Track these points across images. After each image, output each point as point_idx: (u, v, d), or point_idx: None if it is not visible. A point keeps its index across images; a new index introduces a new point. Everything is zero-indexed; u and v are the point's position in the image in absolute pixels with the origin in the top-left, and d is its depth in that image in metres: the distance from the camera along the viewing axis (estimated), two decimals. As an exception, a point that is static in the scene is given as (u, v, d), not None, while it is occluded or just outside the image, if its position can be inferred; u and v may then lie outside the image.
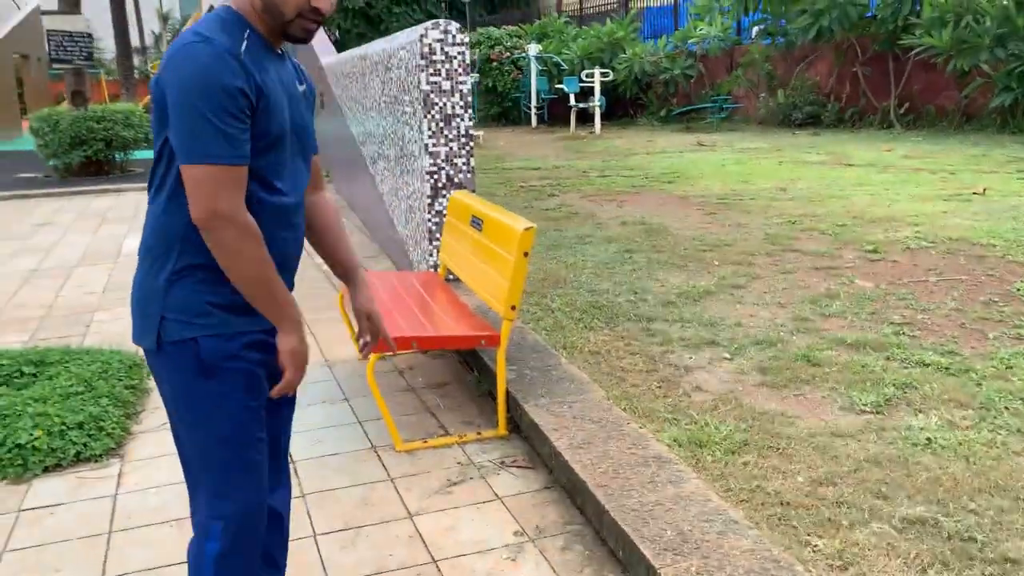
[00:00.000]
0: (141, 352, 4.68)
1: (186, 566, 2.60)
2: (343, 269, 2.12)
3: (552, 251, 6.26)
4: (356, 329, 2.20)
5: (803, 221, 7.01)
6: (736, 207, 7.88)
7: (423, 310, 3.82)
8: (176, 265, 1.76)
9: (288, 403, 2.11)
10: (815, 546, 2.37)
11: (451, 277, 4.79)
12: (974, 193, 7.93)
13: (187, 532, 2.82)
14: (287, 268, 1.91)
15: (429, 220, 5.27)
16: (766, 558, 2.27)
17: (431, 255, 5.32)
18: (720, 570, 2.23)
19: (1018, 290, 4.82)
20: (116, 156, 13.72)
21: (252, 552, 1.94)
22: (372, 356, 3.36)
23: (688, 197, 8.60)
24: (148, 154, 14.89)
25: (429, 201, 5.23)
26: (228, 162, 1.66)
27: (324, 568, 2.63)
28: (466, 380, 4.19)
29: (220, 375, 1.79)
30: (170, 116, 1.66)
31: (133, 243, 8.00)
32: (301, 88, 1.93)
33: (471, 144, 5.26)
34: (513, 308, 3.45)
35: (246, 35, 1.73)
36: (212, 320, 1.77)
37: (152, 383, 4.25)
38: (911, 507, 2.56)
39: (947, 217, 6.90)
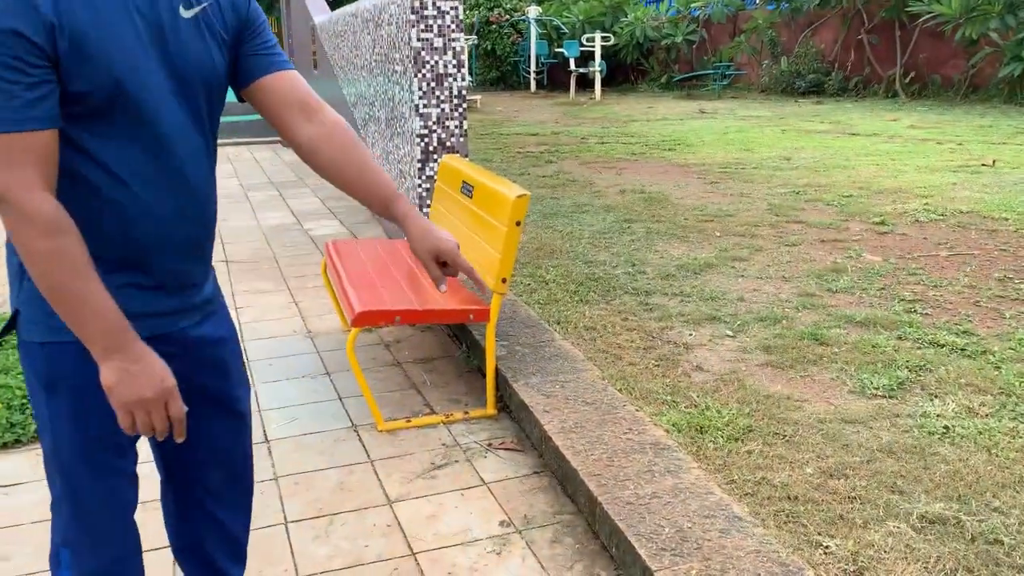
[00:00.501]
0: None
1: (151, 555, 2.44)
2: (379, 202, 1.60)
3: (548, 220, 6.02)
4: (431, 274, 1.65)
5: (807, 192, 6.78)
6: (738, 176, 7.63)
7: (410, 282, 3.60)
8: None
9: (226, 413, 1.69)
10: (826, 547, 2.17)
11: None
12: (983, 165, 7.69)
13: (158, 515, 2.63)
14: (162, 252, 1.45)
15: (420, 186, 5.02)
16: (774, 561, 2.07)
17: (420, 222, 5.07)
18: (723, 574, 2.03)
19: (1034, 267, 4.61)
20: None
21: None
22: (354, 329, 3.15)
23: (689, 165, 8.35)
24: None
25: (419, 166, 4.99)
26: (9, 128, 1.24)
27: (294, 560, 2.43)
28: (455, 355, 3.98)
29: (62, 391, 1.44)
30: None
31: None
32: (188, 13, 1.40)
33: (464, 106, 5.00)
34: (504, 281, 3.23)
35: None
36: (60, 323, 1.37)
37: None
38: (930, 504, 2.36)
39: (956, 189, 6.67)
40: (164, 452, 1.73)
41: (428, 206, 5.02)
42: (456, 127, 5.01)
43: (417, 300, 3.33)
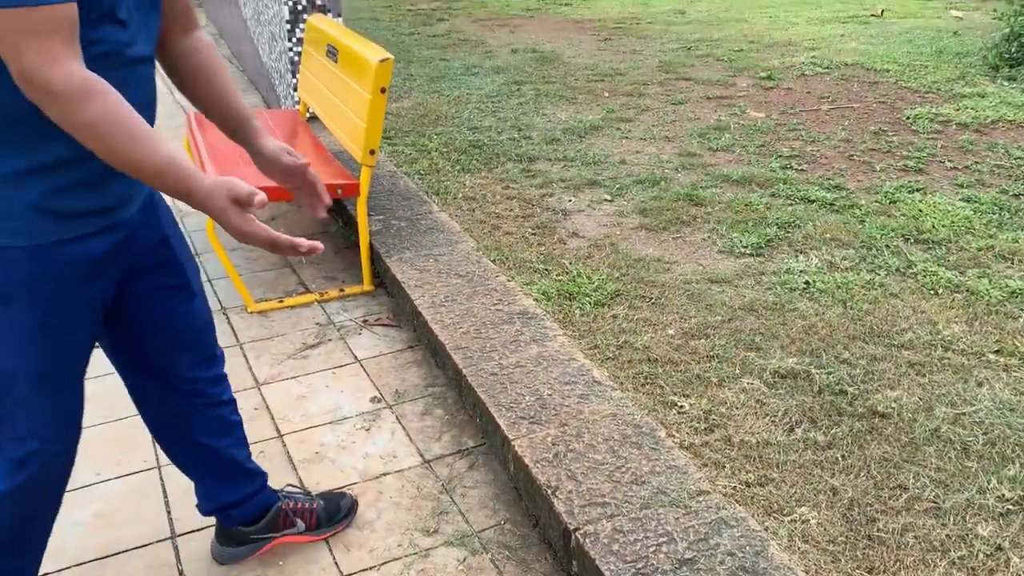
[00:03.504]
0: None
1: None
2: (235, 122, 1.60)
3: (435, 83, 5.81)
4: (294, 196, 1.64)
5: (699, 47, 6.69)
6: (632, 32, 7.47)
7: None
8: None
9: (175, 288, 1.66)
10: (680, 407, 2.23)
11: (311, 115, 4.37)
12: (872, 15, 7.71)
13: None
14: None
15: (291, 49, 4.74)
16: (628, 423, 2.12)
17: (294, 90, 4.83)
18: (578, 439, 2.07)
19: (907, 118, 4.69)
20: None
21: (42, 502, 1.56)
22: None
23: (584, 21, 8.13)
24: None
25: (289, 27, 4.69)
26: (29, 2, 1.16)
27: (155, 447, 2.38)
28: (331, 231, 3.87)
29: (20, 302, 1.36)
30: None
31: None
32: None
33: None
34: (372, 153, 3.11)
35: None
36: (19, 226, 1.32)
37: None
38: (783, 359, 2.44)
39: (844, 40, 6.69)
40: (141, 349, 1.68)
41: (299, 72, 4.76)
42: (327, -15, 4.70)
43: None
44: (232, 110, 1.60)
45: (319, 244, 1.39)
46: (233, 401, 1.85)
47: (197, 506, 1.92)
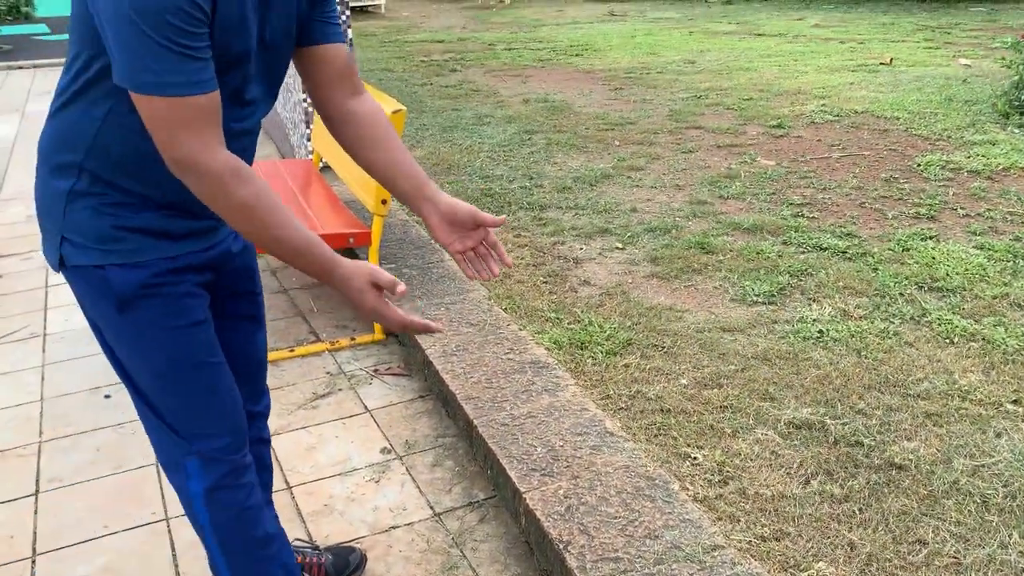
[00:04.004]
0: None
1: (13, 505, 2.34)
2: (410, 187, 1.57)
3: (447, 133, 5.87)
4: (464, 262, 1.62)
5: (709, 96, 6.75)
6: (642, 82, 7.55)
7: (290, 206, 3.46)
8: (80, 181, 1.39)
9: (249, 319, 1.73)
10: (694, 459, 2.20)
11: (324, 165, 4.41)
12: (881, 63, 7.77)
13: (13, 465, 2.52)
14: None
15: (305, 100, 4.81)
16: (641, 475, 2.09)
17: (308, 140, 4.89)
18: (590, 491, 2.04)
19: (919, 165, 4.70)
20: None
21: (240, 481, 1.60)
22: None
23: (594, 71, 8.22)
24: (17, 29, 13.62)
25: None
26: (185, 92, 1.23)
27: (164, 501, 2.37)
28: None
29: (137, 307, 1.44)
30: (105, 28, 1.21)
31: (-9, 131, 7.27)
32: None
33: (347, 12, 4.76)
34: (384, 203, 3.13)
35: None
36: (120, 247, 1.41)
37: (-8, 292, 3.83)
38: (798, 409, 2.41)
39: (853, 89, 6.73)
40: None
41: (313, 122, 4.82)
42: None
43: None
44: (403, 177, 1.58)
45: (440, 325, 1.46)
46: (269, 441, 1.86)
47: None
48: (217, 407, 1.55)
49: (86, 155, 1.38)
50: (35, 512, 2.32)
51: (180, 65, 1.22)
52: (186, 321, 1.48)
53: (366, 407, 2.82)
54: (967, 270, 3.29)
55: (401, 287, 1.41)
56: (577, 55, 9.32)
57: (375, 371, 3.06)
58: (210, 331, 1.53)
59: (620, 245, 3.72)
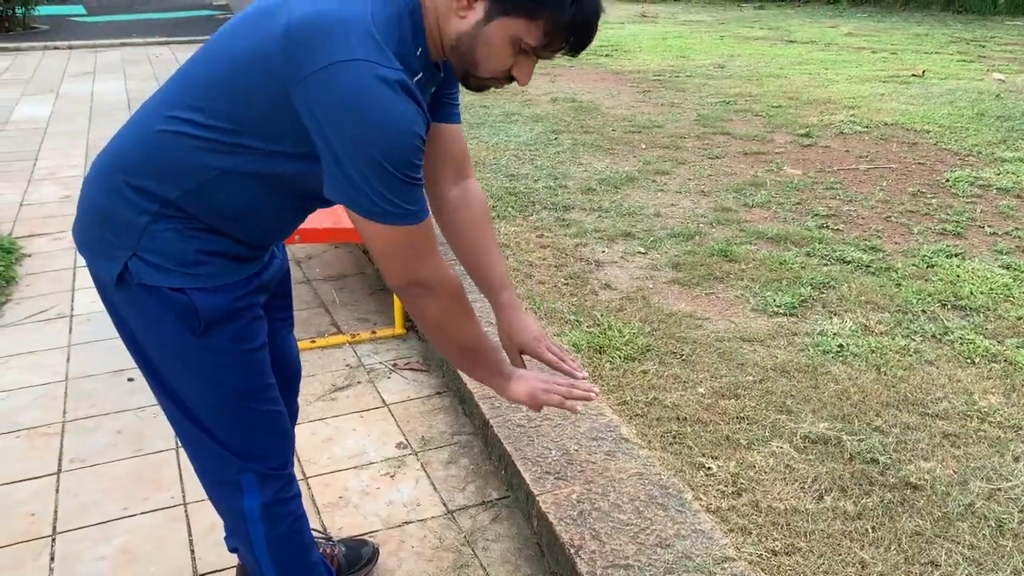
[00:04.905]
0: (13, 233, 4.31)
1: (36, 483, 2.39)
2: (489, 284, 1.67)
3: (475, 130, 5.89)
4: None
5: (738, 101, 6.72)
6: (671, 85, 7.53)
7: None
8: (166, 208, 1.35)
9: (283, 320, 1.78)
10: (708, 469, 2.20)
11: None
12: (913, 75, 7.70)
13: (38, 444, 2.57)
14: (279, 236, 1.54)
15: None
16: (654, 483, 2.10)
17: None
18: (603, 497, 2.05)
19: (947, 180, 4.66)
20: (16, 11, 12.63)
21: (292, 493, 1.63)
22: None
23: (624, 73, 8.21)
24: (54, 9, 13.77)
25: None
26: (422, 218, 1.30)
27: (182, 485, 2.40)
28: (367, 272, 3.91)
29: (217, 331, 1.43)
30: (335, 156, 1.22)
31: (26, 110, 7.37)
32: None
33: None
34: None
35: (419, 52, 1.31)
36: (204, 270, 1.39)
37: (22, 271, 3.88)
38: (815, 424, 2.41)
39: (884, 100, 6.68)
40: None
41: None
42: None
43: (317, 217, 3.23)
44: (487, 273, 1.67)
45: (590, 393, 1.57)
46: None
47: (225, 538, 1.92)
48: (274, 427, 1.57)
49: (182, 194, 1.35)
50: (56, 491, 2.36)
51: (415, 194, 1.27)
52: (256, 344, 1.49)
53: (384, 401, 2.84)
54: (992, 289, 3.27)
55: (572, 405, 1.55)
56: (607, 55, 9.30)
57: (394, 365, 3.09)
58: (267, 352, 1.54)
59: (643, 249, 3.72)
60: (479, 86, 1.37)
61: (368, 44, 1.19)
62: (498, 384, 1.55)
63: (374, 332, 3.31)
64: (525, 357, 1.67)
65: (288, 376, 1.81)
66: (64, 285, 3.74)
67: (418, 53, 1.31)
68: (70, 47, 11.00)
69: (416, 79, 1.29)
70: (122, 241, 1.38)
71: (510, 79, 1.35)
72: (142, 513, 2.28)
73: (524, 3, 1.24)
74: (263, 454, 1.55)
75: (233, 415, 1.50)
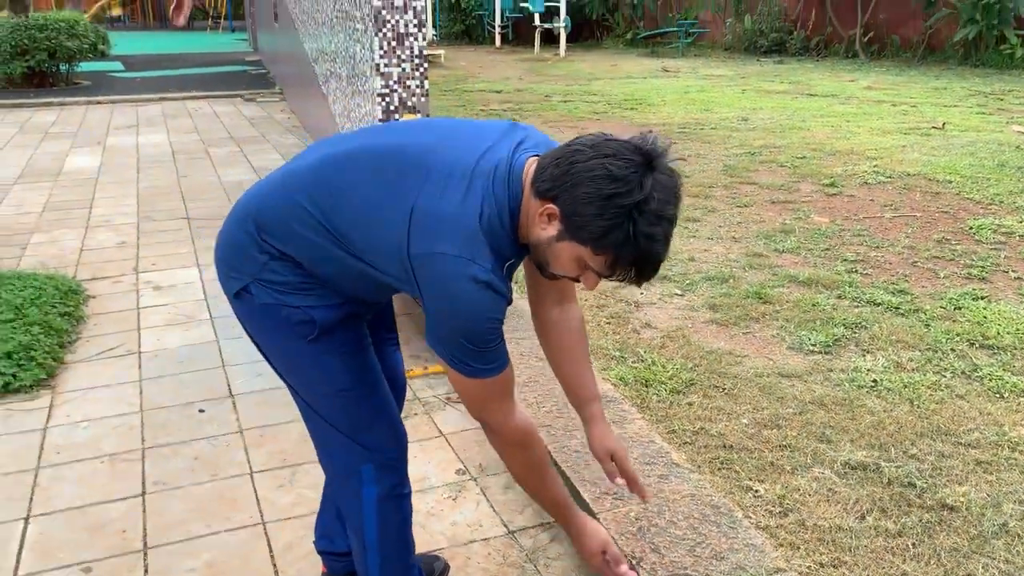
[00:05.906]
0: (77, 276, 4.55)
1: (123, 503, 2.56)
2: (578, 396, 1.94)
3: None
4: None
5: (762, 153, 6.94)
6: (696, 137, 7.77)
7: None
8: (284, 257, 1.65)
9: (389, 340, 2.03)
10: (756, 491, 2.35)
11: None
12: (933, 127, 7.90)
13: (121, 468, 2.75)
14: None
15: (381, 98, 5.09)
16: (706, 504, 2.25)
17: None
18: (659, 516, 2.21)
19: (971, 228, 4.82)
20: (61, 67, 13.13)
21: (405, 491, 1.88)
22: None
23: (649, 125, 8.46)
24: (95, 66, 14.29)
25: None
26: (497, 372, 1.56)
27: (259, 506, 2.57)
28: (417, 312, 4.09)
29: (331, 337, 1.69)
30: (428, 312, 1.53)
31: (77, 161, 7.70)
32: None
33: (425, 66, 5.05)
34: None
35: (513, 241, 1.55)
36: (316, 291, 1.67)
37: (89, 311, 4.11)
38: (853, 452, 2.55)
39: (905, 151, 6.87)
40: None
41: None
42: (417, 86, 5.07)
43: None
44: (578, 387, 1.92)
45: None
46: None
47: (316, 541, 2.10)
48: (383, 418, 1.80)
49: (297, 253, 1.63)
50: (143, 510, 2.53)
51: (490, 356, 1.53)
52: (364, 344, 1.75)
53: (440, 431, 3.01)
54: (1018, 330, 3.41)
55: (624, 567, 1.80)
56: (632, 108, 9.58)
57: (447, 399, 3.26)
58: (372, 352, 1.79)
59: (679, 291, 3.90)
60: (551, 277, 1.60)
61: (471, 244, 1.45)
62: (573, 535, 1.83)
63: (426, 368, 3.48)
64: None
65: (396, 387, 2.03)
66: (130, 324, 3.95)
67: (512, 241, 1.54)
68: (112, 102, 11.43)
69: (507, 264, 1.53)
70: (245, 268, 1.68)
71: (575, 280, 1.57)
72: (225, 531, 2.44)
73: (588, 238, 1.44)
74: (379, 445, 1.78)
75: (354, 404, 1.74)
